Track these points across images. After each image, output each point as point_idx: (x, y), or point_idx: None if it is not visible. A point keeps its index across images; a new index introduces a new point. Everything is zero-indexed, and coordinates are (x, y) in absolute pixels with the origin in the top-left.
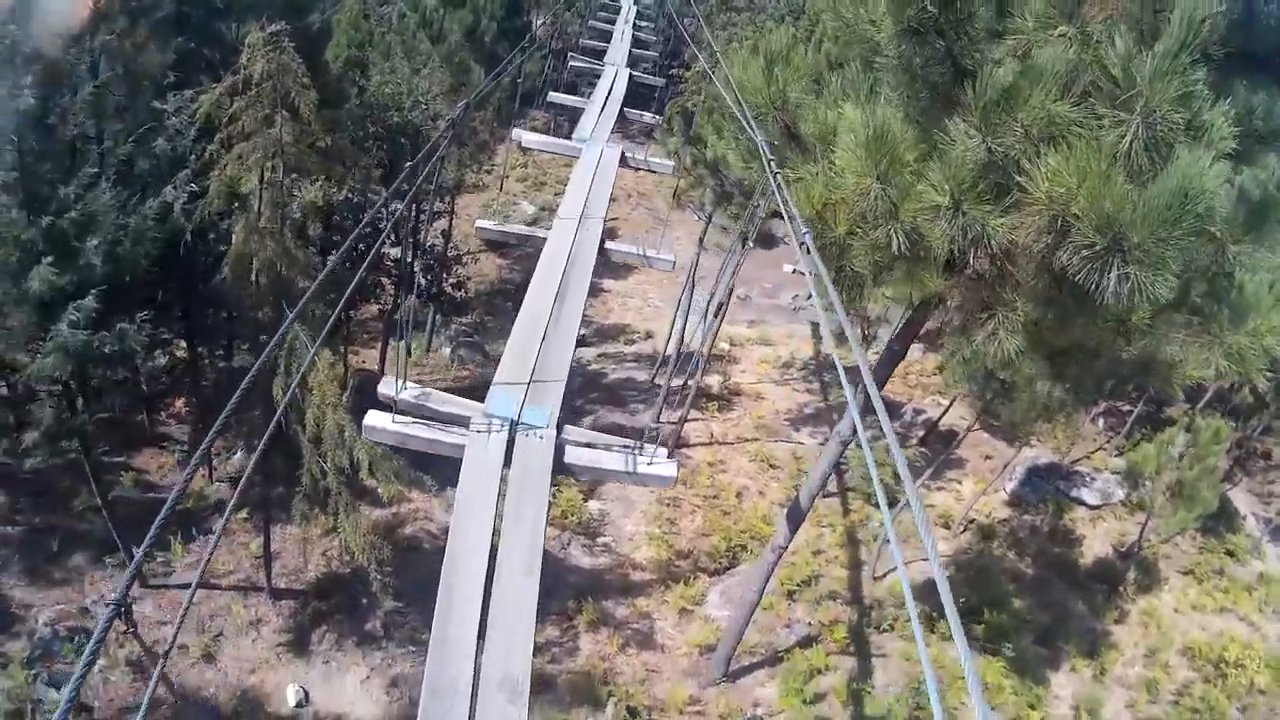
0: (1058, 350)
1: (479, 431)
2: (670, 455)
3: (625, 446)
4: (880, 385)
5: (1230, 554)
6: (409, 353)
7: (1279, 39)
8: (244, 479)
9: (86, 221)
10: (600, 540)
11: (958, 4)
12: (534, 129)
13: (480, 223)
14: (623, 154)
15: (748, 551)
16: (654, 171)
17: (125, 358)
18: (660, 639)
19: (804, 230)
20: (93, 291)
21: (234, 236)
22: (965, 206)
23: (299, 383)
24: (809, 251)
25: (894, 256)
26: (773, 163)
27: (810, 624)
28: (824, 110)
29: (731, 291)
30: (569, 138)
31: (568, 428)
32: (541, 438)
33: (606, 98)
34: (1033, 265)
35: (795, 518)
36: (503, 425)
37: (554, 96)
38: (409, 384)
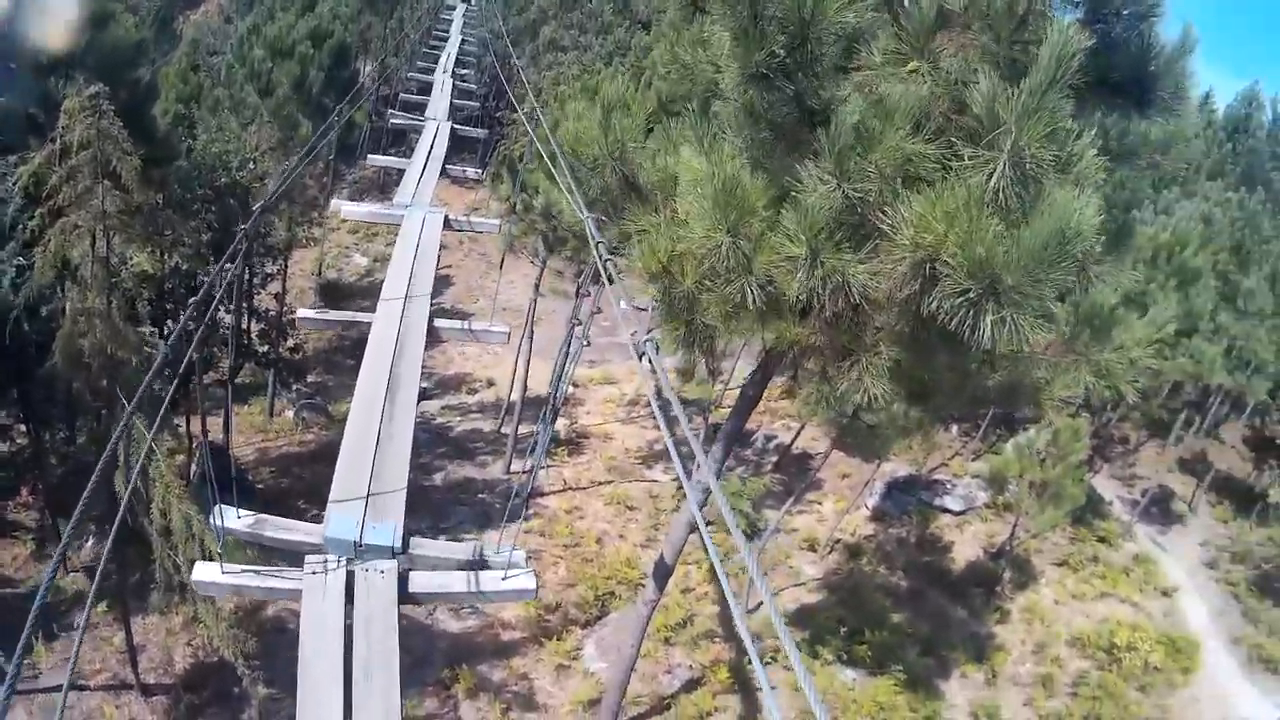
0: (921, 383)
1: (314, 573)
2: (527, 561)
3: (474, 560)
4: (737, 432)
5: (1102, 540)
6: (232, 489)
7: (1136, 65)
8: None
9: None
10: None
11: (808, 46)
12: (361, 180)
13: (302, 312)
14: (446, 218)
15: (616, 598)
16: (479, 233)
17: None
18: (541, 699)
19: (644, 336)
20: None
21: (63, 319)
22: (823, 256)
23: (140, 473)
24: (651, 365)
25: (747, 308)
26: (609, 264)
27: (692, 667)
28: (662, 157)
29: (571, 338)
30: (396, 186)
31: (414, 540)
32: (382, 573)
33: (428, 156)
34: (896, 310)
35: (662, 573)
36: (339, 562)
37: (373, 159)
38: (241, 511)
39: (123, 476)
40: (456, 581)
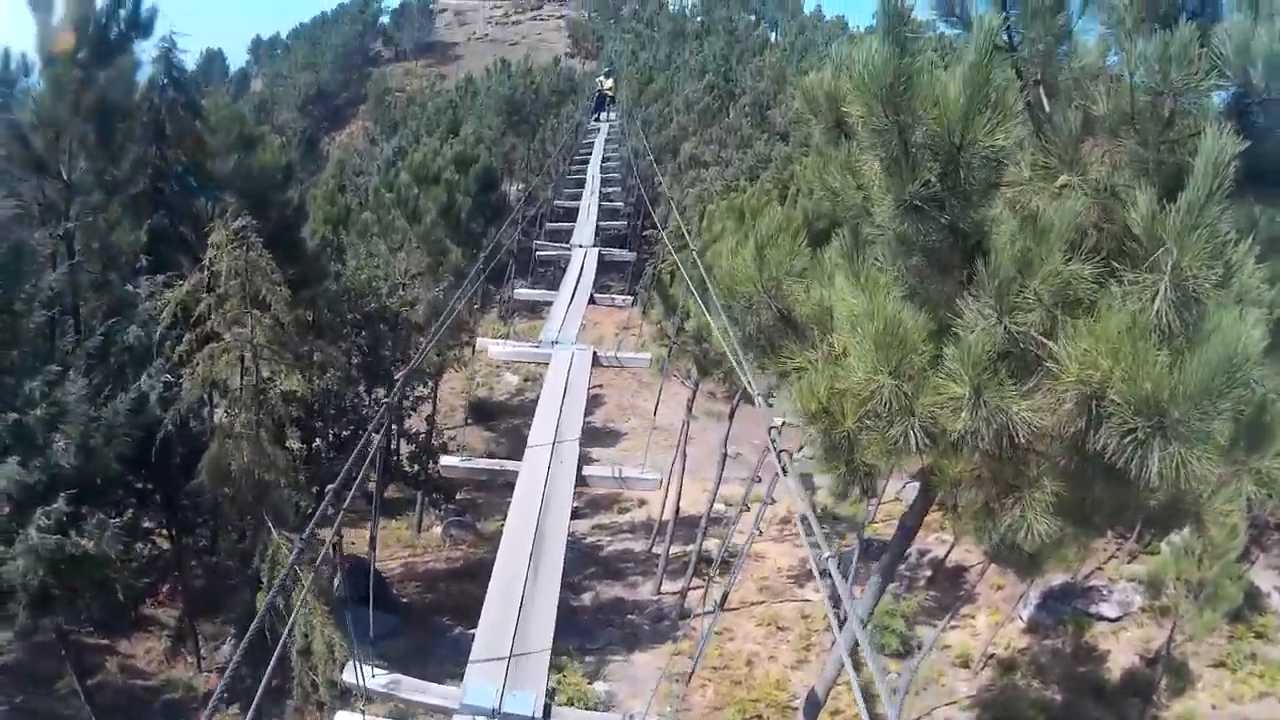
0: (1081, 509)
1: None
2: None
3: None
4: (895, 565)
5: (1259, 635)
6: (369, 602)
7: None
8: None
9: (55, 417)
10: None
11: (960, 172)
12: (512, 300)
13: (445, 460)
14: (595, 354)
15: None
16: (626, 368)
17: (100, 561)
18: None
19: (826, 555)
20: (62, 494)
21: (211, 437)
22: (986, 395)
23: (281, 592)
24: (829, 577)
25: (909, 448)
26: (783, 455)
27: None
28: (816, 288)
29: (725, 456)
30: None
31: (556, 710)
32: None
33: (575, 286)
34: (1062, 445)
35: (812, 708)
36: None
37: (520, 293)
38: (376, 669)
39: (264, 595)
40: None
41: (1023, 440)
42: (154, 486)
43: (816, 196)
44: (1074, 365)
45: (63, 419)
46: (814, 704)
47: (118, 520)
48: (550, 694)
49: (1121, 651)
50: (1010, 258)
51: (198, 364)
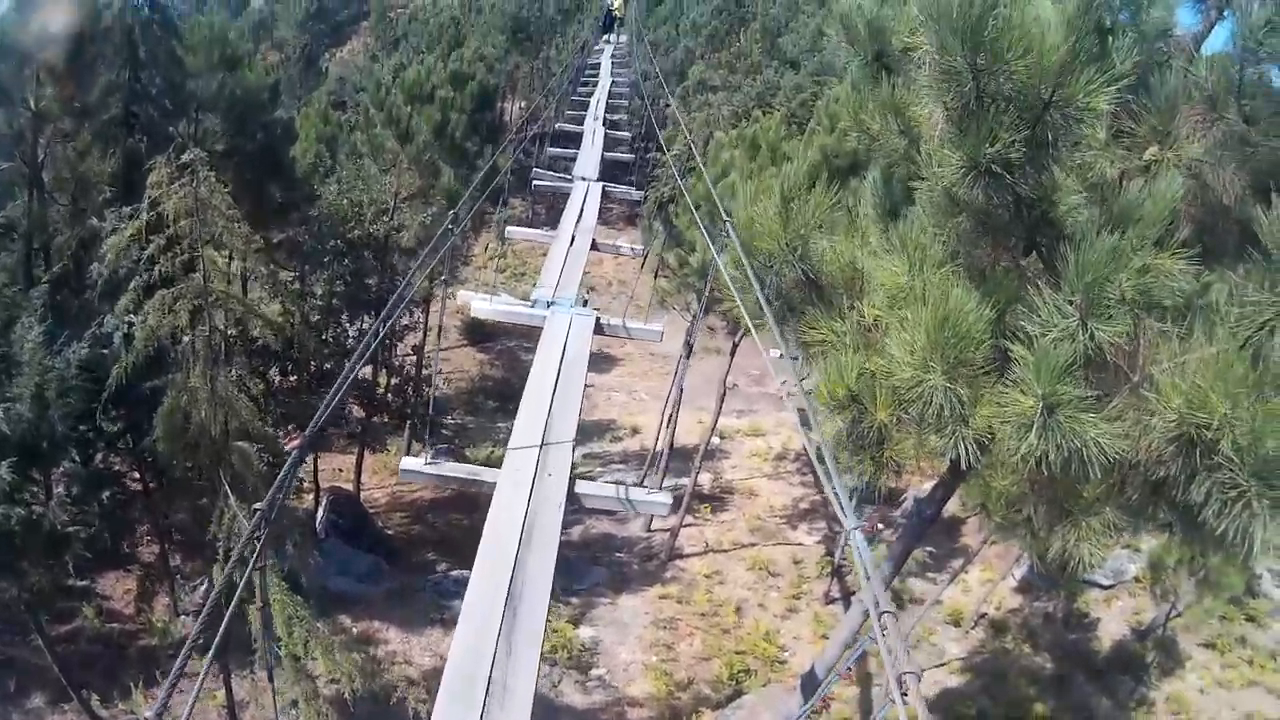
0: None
1: None
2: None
3: None
4: (907, 554)
5: (1250, 619)
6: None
7: None
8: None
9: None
10: (593, 673)
11: (1046, 133)
12: (512, 219)
13: (406, 461)
14: (598, 321)
15: (751, 675)
16: (639, 339)
17: (52, 533)
18: None
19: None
20: (4, 462)
21: (165, 397)
22: (1061, 414)
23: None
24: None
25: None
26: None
27: None
28: (847, 245)
29: (724, 394)
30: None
31: None
32: None
33: (575, 227)
34: (1139, 481)
35: (811, 687)
36: None
37: (513, 231)
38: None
39: (221, 567)
40: None
41: (1096, 470)
42: (124, 429)
43: (840, 133)
44: (1175, 396)
45: (17, 371)
46: (814, 684)
47: (74, 469)
48: None
49: (1113, 620)
50: (1105, 251)
51: (148, 314)
